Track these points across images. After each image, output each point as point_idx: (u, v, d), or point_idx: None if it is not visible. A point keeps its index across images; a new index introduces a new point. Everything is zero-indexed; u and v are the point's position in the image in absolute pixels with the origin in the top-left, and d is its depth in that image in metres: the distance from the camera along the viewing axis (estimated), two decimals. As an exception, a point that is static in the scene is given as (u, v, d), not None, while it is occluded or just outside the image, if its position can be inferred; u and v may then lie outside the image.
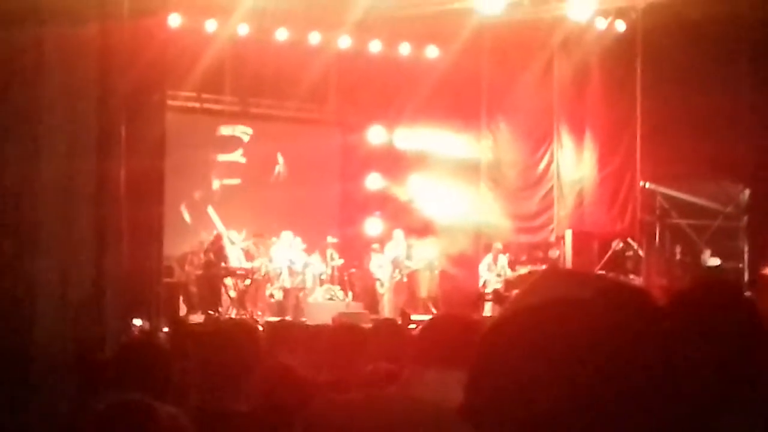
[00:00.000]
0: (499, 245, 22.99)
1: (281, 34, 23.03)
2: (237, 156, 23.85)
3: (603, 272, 20.69)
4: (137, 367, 5.07)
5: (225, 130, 23.85)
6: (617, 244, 23.15)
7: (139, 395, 4.08)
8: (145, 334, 10.01)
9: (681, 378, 1.49)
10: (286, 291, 21.56)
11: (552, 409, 1.44)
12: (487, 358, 1.57)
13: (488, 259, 22.76)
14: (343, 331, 6.94)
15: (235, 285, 21.31)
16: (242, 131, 23.90)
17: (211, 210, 21.73)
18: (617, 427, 1.43)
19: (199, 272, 21.12)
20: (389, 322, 8.52)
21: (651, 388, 1.44)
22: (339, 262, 23.03)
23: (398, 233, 23.08)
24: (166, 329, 13.53)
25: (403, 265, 22.55)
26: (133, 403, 3.56)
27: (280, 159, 23.76)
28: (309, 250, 22.29)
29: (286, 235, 21.95)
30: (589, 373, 1.44)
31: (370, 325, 7.61)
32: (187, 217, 22.59)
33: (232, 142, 23.84)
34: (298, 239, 22.00)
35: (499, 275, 22.39)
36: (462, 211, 24.80)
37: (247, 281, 21.43)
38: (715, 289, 2.96)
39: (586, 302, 1.52)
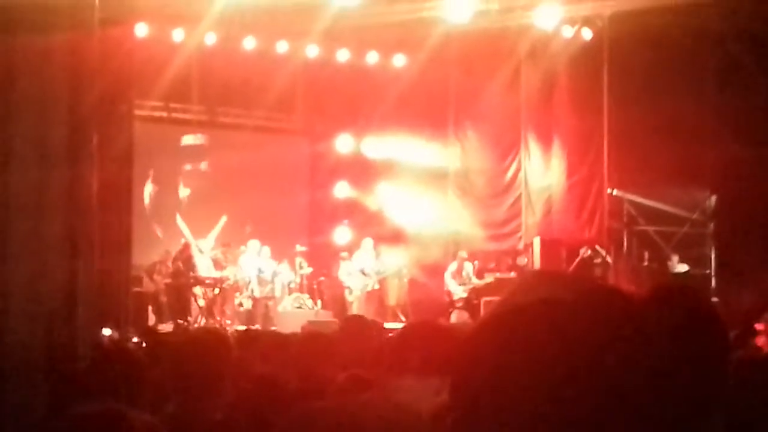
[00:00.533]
0: (463, 254, 22.96)
1: (249, 43, 23.01)
2: (203, 165, 23.80)
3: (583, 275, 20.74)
4: (110, 376, 5.06)
5: (188, 140, 23.80)
6: (585, 252, 23.23)
7: (113, 403, 4.06)
8: (117, 343, 9.97)
9: (661, 377, 1.50)
10: (255, 300, 21.51)
11: (537, 410, 1.45)
12: (471, 359, 1.57)
13: (453, 267, 22.74)
14: (312, 339, 6.94)
15: (204, 294, 21.23)
16: (203, 139, 23.87)
17: (179, 219, 21.62)
18: (603, 427, 1.45)
19: (168, 281, 21.04)
20: (357, 319, 8.49)
21: (635, 388, 1.46)
22: (308, 270, 23.00)
23: (367, 242, 23.05)
24: (135, 339, 13.51)
25: (372, 274, 22.51)
26: (107, 411, 3.55)
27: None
28: (278, 259, 22.24)
29: (254, 244, 21.89)
30: (574, 373, 1.45)
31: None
32: (159, 232, 22.53)
33: (198, 152, 23.80)
34: (266, 248, 21.94)
35: (464, 284, 22.38)
36: (430, 219, 24.86)
37: (216, 290, 21.35)
38: (681, 292, 3.01)
39: (568, 303, 1.53)
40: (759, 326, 11.42)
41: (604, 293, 1.59)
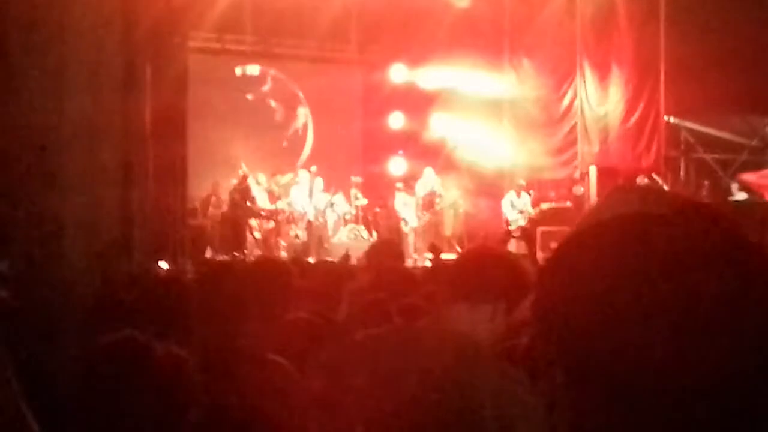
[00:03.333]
0: (521, 182, 22.83)
1: (302, -26, 22.89)
2: (260, 96, 23.76)
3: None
4: (160, 307, 5.03)
5: (242, 70, 23.75)
6: (642, 180, 22.96)
7: (146, 333, 4.04)
8: (169, 274, 9.99)
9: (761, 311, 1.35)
10: (310, 231, 21.52)
11: (626, 327, 1.34)
12: (556, 275, 1.45)
13: (511, 196, 22.58)
14: (369, 270, 6.89)
15: (260, 226, 21.29)
16: (262, 70, 23.81)
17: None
18: (694, 352, 1.32)
19: (225, 213, 21.10)
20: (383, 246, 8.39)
21: (736, 315, 1.33)
22: (363, 201, 22.99)
23: (428, 171, 22.99)
24: (190, 270, 13.55)
25: (432, 203, 22.48)
26: (129, 339, 3.54)
27: (302, 112, 23.56)
28: (333, 190, 22.23)
29: (305, 175, 21.90)
30: (671, 293, 1.33)
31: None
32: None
33: (253, 82, 23.75)
34: (320, 179, 21.94)
35: (521, 212, 22.24)
36: (486, 149, 24.72)
37: (272, 223, 21.39)
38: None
39: (664, 218, 1.41)
40: None
41: (704, 211, 1.45)
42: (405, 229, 22.31)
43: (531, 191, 23.18)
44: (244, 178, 21.35)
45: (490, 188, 23.99)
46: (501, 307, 3.69)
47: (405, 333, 3.94)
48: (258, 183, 21.44)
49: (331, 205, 21.98)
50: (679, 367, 1.32)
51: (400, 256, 8.04)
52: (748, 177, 20.54)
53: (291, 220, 21.70)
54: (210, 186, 21.86)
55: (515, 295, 3.69)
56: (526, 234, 21.73)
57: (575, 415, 1.39)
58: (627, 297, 1.34)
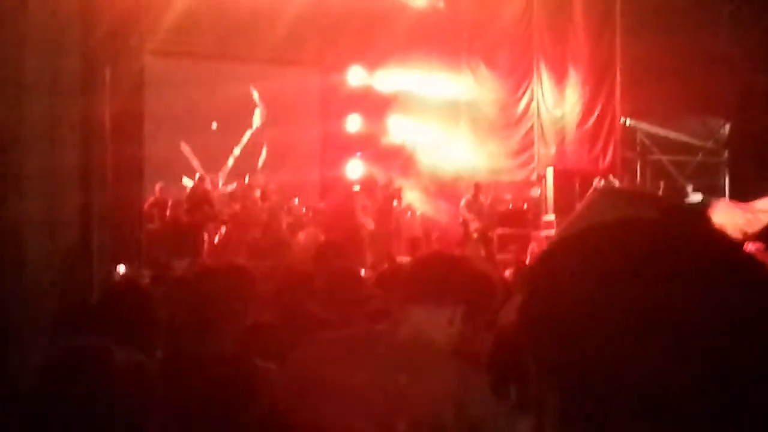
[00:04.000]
0: (477, 185, 22.87)
1: (259, -27, 22.85)
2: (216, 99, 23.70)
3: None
4: (118, 313, 5.01)
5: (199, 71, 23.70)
6: (599, 182, 23.11)
7: (105, 339, 4.03)
8: (129, 280, 9.96)
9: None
10: (267, 234, 21.45)
11: (620, 332, 1.30)
12: (543, 280, 1.41)
13: (466, 198, 22.62)
14: (335, 272, 6.88)
15: (217, 229, 21.22)
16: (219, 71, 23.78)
17: (188, 152, 21.55)
18: (679, 360, 1.29)
19: (181, 217, 21.00)
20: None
21: (725, 320, 1.29)
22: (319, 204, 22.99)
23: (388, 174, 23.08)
24: (148, 275, 13.48)
25: (390, 206, 22.50)
26: (91, 346, 3.53)
27: (258, 114, 23.50)
28: (292, 192, 22.22)
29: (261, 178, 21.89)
30: (659, 299, 1.30)
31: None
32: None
33: (210, 83, 23.67)
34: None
35: (478, 215, 22.27)
36: (443, 151, 24.79)
37: (224, 227, 21.32)
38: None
39: (655, 222, 1.38)
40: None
41: (689, 215, 1.44)
42: (362, 231, 22.28)
43: (488, 193, 23.23)
44: (201, 180, 21.29)
45: (447, 190, 24.05)
46: (459, 311, 3.70)
47: (362, 336, 3.95)
48: (214, 185, 21.36)
49: (288, 209, 21.95)
50: (673, 372, 1.30)
51: (347, 257, 8.03)
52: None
53: (248, 222, 21.61)
54: (167, 189, 21.75)
55: (473, 298, 3.70)
56: (484, 236, 21.77)
57: (563, 421, 1.39)
58: (618, 302, 1.31)
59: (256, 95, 24.22)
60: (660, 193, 22.47)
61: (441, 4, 24.32)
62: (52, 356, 3.79)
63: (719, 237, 1.40)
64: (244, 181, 22.24)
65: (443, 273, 3.79)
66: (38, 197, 7.20)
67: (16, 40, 7.15)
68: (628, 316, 1.31)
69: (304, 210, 22.63)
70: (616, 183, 22.94)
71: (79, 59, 7.49)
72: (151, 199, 20.93)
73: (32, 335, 6.98)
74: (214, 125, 22.69)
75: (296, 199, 22.61)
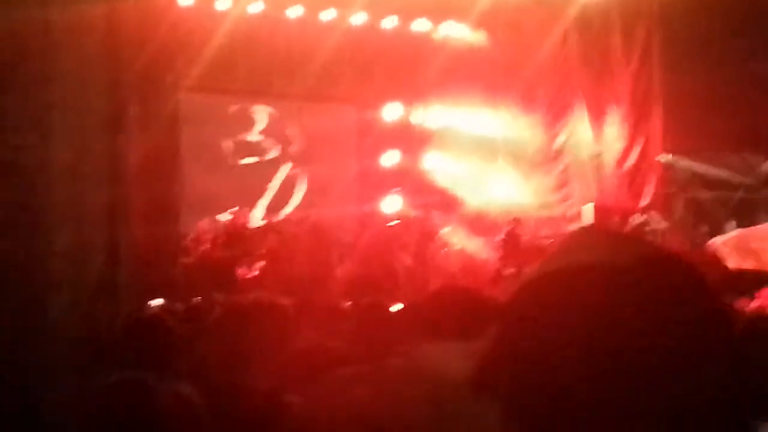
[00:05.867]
0: (516, 219, 22.76)
1: (294, 12, 22.95)
2: (253, 135, 23.76)
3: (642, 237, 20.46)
4: (144, 345, 5.01)
5: (235, 108, 23.78)
6: (637, 218, 22.96)
7: (143, 373, 4.02)
8: (153, 313, 9.97)
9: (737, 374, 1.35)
10: (310, 269, 21.41)
11: (574, 384, 1.32)
12: (509, 322, 1.45)
13: (505, 233, 22.53)
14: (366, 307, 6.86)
15: (253, 264, 21.21)
16: (258, 110, 23.83)
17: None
18: (644, 409, 1.30)
19: (218, 251, 21.03)
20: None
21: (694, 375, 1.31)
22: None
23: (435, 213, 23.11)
24: (182, 309, 13.50)
25: (428, 242, 22.48)
26: (132, 380, 3.50)
27: (295, 150, 23.51)
28: (328, 228, 22.20)
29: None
30: (621, 349, 1.31)
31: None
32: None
33: (246, 120, 23.75)
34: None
35: (516, 249, 22.16)
36: (480, 187, 24.73)
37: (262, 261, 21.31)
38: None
39: (622, 269, 1.37)
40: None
41: (670, 262, 1.41)
42: (399, 267, 22.23)
43: (525, 229, 23.13)
44: (238, 216, 21.33)
45: (485, 226, 23.96)
46: (477, 344, 3.66)
47: (379, 372, 3.91)
48: (252, 221, 21.41)
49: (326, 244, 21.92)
50: (638, 414, 1.29)
51: (383, 292, 8.04)
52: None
53: (284, 257, 21.60)
54: (203, 225, 21.80)
55: (490, 330, 3.66)
56: (521, 273, 21.63)
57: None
58: (581, 346, 1.32)
59: (293, 132, 24.28)
60: (700, 229, 22.33)
61: (483, 41, 24.31)
62: (93, 392, 3.75)
63: (693, 288, 1.39)
64: (281, 216, 22.27)
65: (456, 307, 3.77)
66: (65, 232, 7.23)
67: (41, 77, 7.21)
68: (588, 360, 1.31)
69: (339, 246, 22.59)
70: (656, 219, 22.81)
71: (106, 97, 7.54)
72: (192, 234, 21.00)
73: (59, 369, 6.99)
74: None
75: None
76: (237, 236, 20.98)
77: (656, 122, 23.24)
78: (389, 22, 24.18)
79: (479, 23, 23.58)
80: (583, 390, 1.32)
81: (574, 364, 1.32)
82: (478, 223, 24.09)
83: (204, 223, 21.43)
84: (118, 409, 3.44)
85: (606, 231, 1.60)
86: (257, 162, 23.59)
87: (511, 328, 1.45)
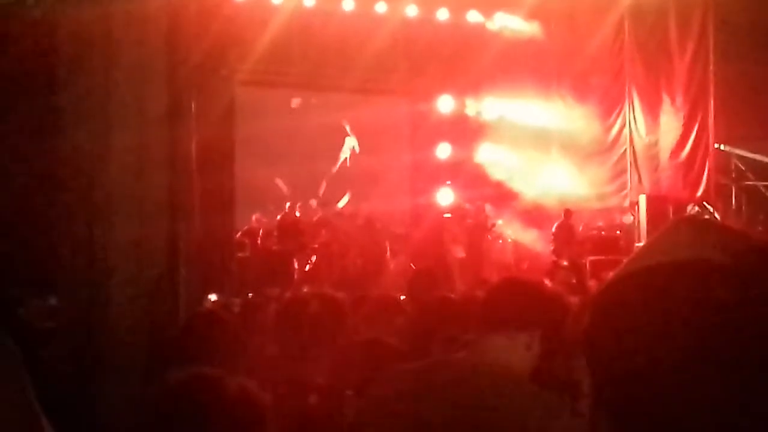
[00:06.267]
0: (569, 210, 22.66)
1: (348, 4, 22.99)
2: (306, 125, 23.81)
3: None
4: (203, 341, 5.03)
5: (292, 102, 23.86)
6: (692, 209, 22.79)
7: (207, 368, 4.03)
8: (211, 309, 9.99)
9: None
10: (365, 262, 21.45)
11: (671, 375, 1.29)
12: (606, 312, 1.40)
13: (559, 224, 22.42)
14: (421, 303, 6.84)
15: (308, 257, 21.29)
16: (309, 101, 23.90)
17: (279, 182, 21.67)
18: (740, 406, 1.27)
19: (273, 246, 21.12)
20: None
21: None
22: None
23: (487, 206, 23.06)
24: (238, 304, 13.53)
25: (482, 234, 22.44)
26: (201, 376, 3.50)
27: (350, 142, 23.49)
28: (383, 221, 22.23)
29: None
30: (722, 345, 1.27)
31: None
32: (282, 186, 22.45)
33: (301, 113, 23.82)
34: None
35: (569, 242, 22.06)
36: (534, 178, 24.65)
37: (317, 255, 21.38)
38: None
39: (723, 267, 1.33)
40: None
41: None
42: (452, 259, 22.19)
43: (581, 220, 23.03)
44: (292, 209, 21.40)
45: (539, 218, 23.87)
46: (536, 335, 3.70)
47: (444, 366, 3.92)
48: (306, 214, 21.47)
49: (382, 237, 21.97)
50: (725, 418, 1.26)
51: (441, 285, 8.01)
52: None
53: (338, 251, 21.66)
54: (259, 218, 21.91)
55: (549, 322, 3.70)
56: (575, 264, 21.56)
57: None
58: (677, 344, 1.29)
59: (347, 126, 24.33)
60: (761, 218, 22.14)
61: (536, 32, 24.20)
62: (159, 389, 3.76)
63: None
64: (336, 209, 22.32)
65: (517, 299, 3.80)
66: (126, 227, 7.27)
67: (102, 69, 7.25)
68: (682, 359, 1.28)
69: (394, 239, 22.61)
70: (710, 209, 22.64)
71: (166, 89, 7.57)
72: (245, 228, 21.10)
73: (122, 367, 7.02)
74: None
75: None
76: (291, 230, 21.05)
77: (711, 111, 23.06)
78: (442, 14, 24.15)
79: (532, 14, 23.50)
80: (676, 395, 1.28)
81: (667, 365, 1.29)
82: (533, 215, 24.01)
83: (258, 217, 21.54)
84: (189, 405, 3.44)
85: (712, 224, 1.55)
86: (313, 154, 23.63)
87: (603, 322, 1.39)
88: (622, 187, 24.52)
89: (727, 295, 1.29)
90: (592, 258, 21.74)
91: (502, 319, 3.72)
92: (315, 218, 21.80)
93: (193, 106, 8.52)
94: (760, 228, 21.60)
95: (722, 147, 23.12)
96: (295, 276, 20.65)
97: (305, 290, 18.44)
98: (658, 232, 1.57)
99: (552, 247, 22.11)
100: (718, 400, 1.26)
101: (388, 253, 21.94)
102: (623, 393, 1.33)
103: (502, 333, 3.70)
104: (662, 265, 1.38)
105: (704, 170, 23.25)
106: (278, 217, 21.46)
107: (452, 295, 6.60)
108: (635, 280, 1.40)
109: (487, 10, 24.50)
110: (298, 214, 21.63)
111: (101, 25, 7.67)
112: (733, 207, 23.17)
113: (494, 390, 3.59)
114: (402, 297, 8.10)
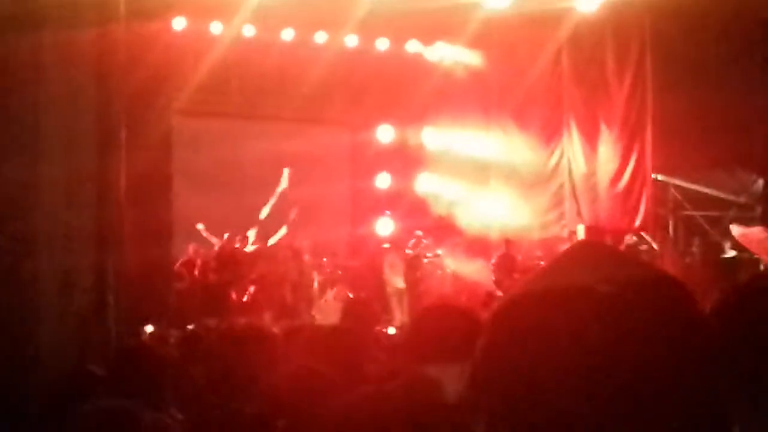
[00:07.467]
0: (509, 241, 22.69)
1: (287, 34, 22.97)
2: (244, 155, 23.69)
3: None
4: (134, 375, 4.97)
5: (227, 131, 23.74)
6: (631, 239, 22.92)
7: (132, 401, 3.96)
8: (142, 341, 9.90)
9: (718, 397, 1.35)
10: (297, 293, 21.41)
11: (554, 408, 1.30)
12: (490, 346, 1.42)
13: (498, 255, 22.46)
14: (351, 332, 6.80)
15: (246, 288, 21.15)
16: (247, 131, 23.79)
17: (201, 227, 21.48)
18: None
19: (211, 276, 20.96)
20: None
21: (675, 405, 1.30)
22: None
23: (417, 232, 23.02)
24: (175, 335, 13.40)
25: (420, 264, 22.43)
26: (114, 408, 3.44)
27: (287, 173, 23.33)
28: (321, 251, 22.17)
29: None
30: (606, 371, 1.29)
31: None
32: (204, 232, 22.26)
33: (239, 143, 23.69)
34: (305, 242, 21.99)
35: (510, 271, 22.09)
36: (473, 209, 24.69)
37: (252, 288, 21.25)
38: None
39: (606, 296, 1.34)
40: None
41: (660, 287, 1.38)
42: (390, 290, 22.15)
43: (519, 251, 23.07)
44: (230, 240, 21.26)
45: (478, 248, 23.89)
46: (468, 365, 3.63)
47: (373, 396, 3.88)
48: (243, 244, 21.34)
49: (318, 267, 21.92)
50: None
51: (377, 315, 7.99)
52: (735, 230, 20.38)
53: (276, 281, 21.55)
54: (196, 248, 21.72)
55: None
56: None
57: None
58: (555, 376, 1.31)
59: (286, 154, 24.24)
60: (693, 249, 22.30)
61: (476, 62, 24.30)
62: (77, 418, 3.69)
63: (675, 312, 1.36)
64: (273, 239, 22.20)
65: (445, 327, 3.73)
66: (53, 258, 7.17)
67: (31, 102, 7.16)
68: (560, 385, 1.30)
69: (331, 268, 22.55)
70: (649, 239, 22.78)
71: (96, 119, 7.48)
72: (183, 258, 20.91)
73: (46, 396, 6.91)
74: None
75: (324, 258, 22.55)
76: (229, 261, 20.91)
77: (649, 142, 23.24)
78: (382, 44, 24.19)
79: (472, 44, 23.58)
80: (569, 413, 1.29)
81: (559, 385, 1.30)
82: (474, 246, 24.03)
83: (195, 248, 21.36)
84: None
85: (602, 249, 1.57)
86: (250, 184, 23.49)
87: (495, 346, 1.41)
88: (561, 217, 24.64)
89: (598, 327, 1.32)
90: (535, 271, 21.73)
91: (433, 347, 3.67)
92: (253, 249, 21.66)
93: (125, 136, 8.43)
94: (693, 258, 21.79)
95: (660, 177, 23.27)
96: (233, 307, 20.49)
97: (238, 321, 18.40)
98: (557, 255, 1.58)
99: (493, 278, 22.12)
100: (608, 419, 1.29)
101: (315, 285, 21.88)
102: (512, 415, 1.34)
103: (433, 363, 3.63)
104: (547, 290, 1.39)
105: (642, 200, 23.40)
106: (215, 248, 21.29)
107: (378, 326, 6.58)
108: (523, 302, 1.42)
109: (428, 40, 24.57)
110: (237, 245, 21.47)
111: (29, 54, 7.58)
112: (671, 237, 23.31)
113: (428, 420, 3.57)
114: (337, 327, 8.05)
